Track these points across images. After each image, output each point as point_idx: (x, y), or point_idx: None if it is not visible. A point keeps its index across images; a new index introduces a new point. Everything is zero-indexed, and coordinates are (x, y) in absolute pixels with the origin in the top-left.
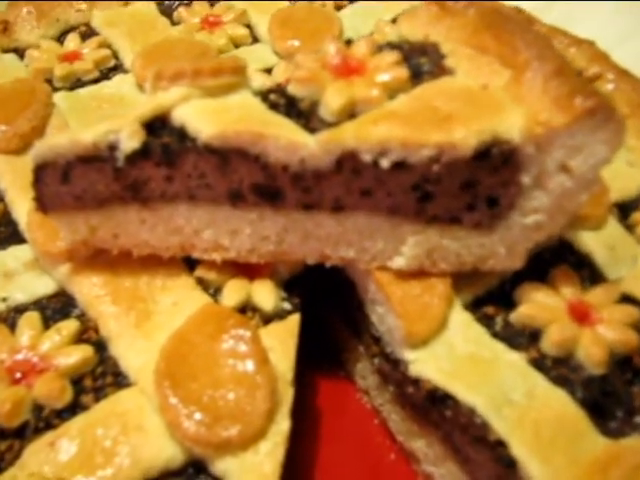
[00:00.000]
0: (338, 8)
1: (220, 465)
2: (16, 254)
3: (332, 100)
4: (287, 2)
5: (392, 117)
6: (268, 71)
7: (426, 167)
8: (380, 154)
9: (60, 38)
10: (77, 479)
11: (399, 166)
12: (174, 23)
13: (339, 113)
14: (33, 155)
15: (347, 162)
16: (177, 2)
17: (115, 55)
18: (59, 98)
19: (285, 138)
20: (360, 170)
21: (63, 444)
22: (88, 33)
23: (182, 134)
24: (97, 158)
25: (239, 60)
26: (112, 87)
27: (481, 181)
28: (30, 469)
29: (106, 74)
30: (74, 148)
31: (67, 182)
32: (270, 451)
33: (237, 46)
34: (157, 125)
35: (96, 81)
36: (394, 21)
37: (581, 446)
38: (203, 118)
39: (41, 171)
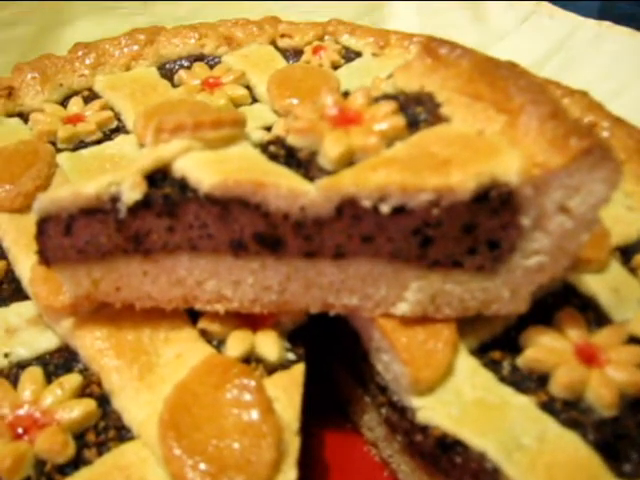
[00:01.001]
0: (335, 67)
1: None
2: (19, 310)
3: (330, 149)
4: (284, 63)
5: (390, 163)
6: (268, 129)
7: (426, 211)
8: (379, 199)
9: (63, 102)
10: None
11: (399, 211)
12: (175, 85)
13: (338, 161)
14: (36, 208)
15: (347, 208)
16: (177, 66)
17: (117, 117)
18: (62, 158)
19: (285, 186)
20: (360, 216)
21: None
22: (91, 97)
23: (183, 185)
24: (99, 210)
25: (238, 113)
26: (114, 147)
27: (481, 224)
28: None
29: (108, 135)
30: (76, 200)
31: (70, 234)
32: None
33: (237, 106)
34: (158, 177)
35: (98, 142)
36: (390, 77)
37: None
38: (204, 169)
39: (44, 224)
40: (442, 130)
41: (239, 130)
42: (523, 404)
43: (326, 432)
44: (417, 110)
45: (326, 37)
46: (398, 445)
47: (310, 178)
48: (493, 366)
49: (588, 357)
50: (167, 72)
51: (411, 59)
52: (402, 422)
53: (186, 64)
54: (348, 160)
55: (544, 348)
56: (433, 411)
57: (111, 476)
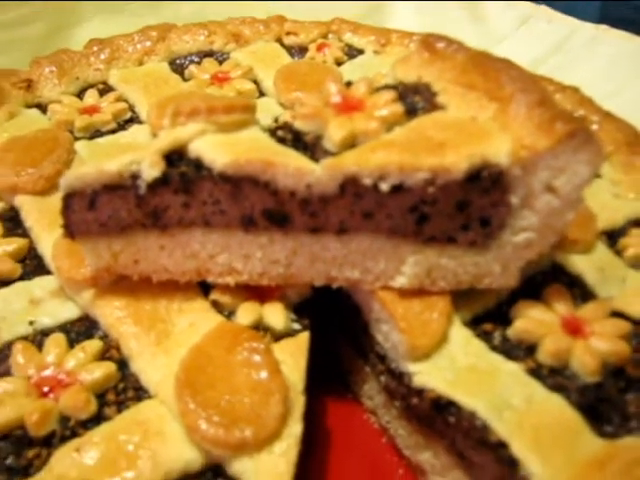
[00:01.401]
0: (338, 64)
1: (237, 466)
2: (42, 284)
3: (335, 133)
4: (290, 59)
5: (389, 145)
6: (276, 120)
7: (422, 190)
8: (379, 178)
9: (79, 95)
10: (103, 477)
11: (397, 189)
12: (185, 79)
13: (341, 144)
14: (62, 184)
15: (349, 186)
16: (187, 61)
17: (131, 108)
18: (80, 146)
19: (293, 165)
20: (361, 194)
21: (88, 450)
22: (105, 90)
23: (198, 164)
24: (121, 186)
25: (249, 99)
26: (128, 136)
27: (473, 202)
28: (57, 473)
29: (123, 125)
30: (100, 177)
31: (93, 209)
32: (284, 452)
33: None
34: (175, 157)
35: (113, 131)
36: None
37: (579, 446)
38: (217, 149)
39: (69, 199)
40: (438, 116)
41: (249, 115)
42: (512, 370)
43: (328, 402)
44: (415, 99)
45: (330, 35)
46: (396, 411)
47: (315, 159)
48: (485, 336)
49: (573, 329)
50: (177, 67)
51: (409, 52)
52: (400, 388)
53: (196, 59)
54: (350, 143)
55: (533, 320)
56: (428, 376)
57: (130, 430)
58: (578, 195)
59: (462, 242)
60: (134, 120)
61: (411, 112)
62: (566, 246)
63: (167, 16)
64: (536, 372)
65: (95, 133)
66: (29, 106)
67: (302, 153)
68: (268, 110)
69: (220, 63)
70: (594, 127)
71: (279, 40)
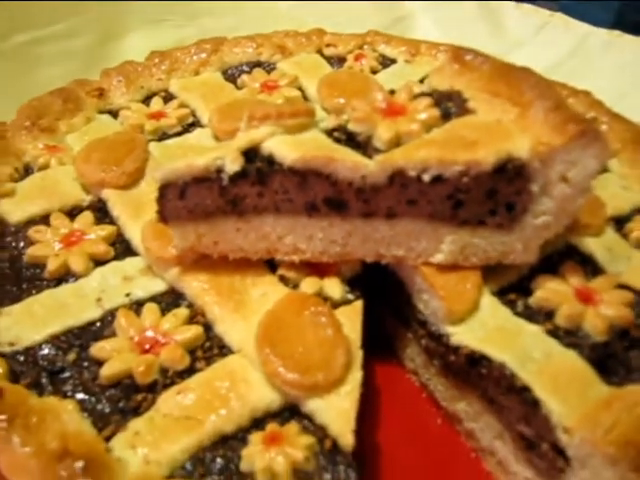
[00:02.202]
0: (373, 72)
1: (310, 405)
2: (132, 263)
3: (383, 133)
4: (330, 69)
5: (430, 144)
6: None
7: (457, 180)
8: (422, 170)
9: (144, 101)
10: (199, 416)
11: (437, 179)
12: (238, 88)
13: (388, 143)
14: (158, 176)
15: (397, 178)
16: (238, 71)
17: (192, 113)
18: (152, 147)
19: (350, 160)
20: (407, 184)
21: (187, 393)
22: (167, 97)
23: (270, 160)
24: (207, 179)
25: (310, 105)
26: (193, 138)
27: (500, 190)
28: (163, 412)
29: (187, 128)
30: (190, 171)
31: (183, 198)
32: (348, 392)
33: None
34: (252, 154)
35: (179, 134)
36: (421, 81)
37: (590, 391)
38: (286, 148)
39: (164, 189)
40: (469, 119)
41: (311, 119)
42: (534, 330)
43: (376, 364)
44: (448, 104)
45: (365, 46)
46: (434, 369)
47: (368, 155)
48: (510, 304)
49: (585, 297)
50: (230, 76)
51: (441, 64)
52: (439, 348)
53: (246, 69)
54: (396, 142)
55: (550, 290)
56: (463, 335)
57: (220, 377)
58: (588, 184)
59: (491, 224)
60: (196, 124)
61: (446, 116)
62: (579, 229)
63: (206, 26)
64: (553, 333)
65: (163, 135)
66: (101, 112)
67: (355, 150)
68: None
69: (268, 73)
70: (603, 127)
71: (319, 51)
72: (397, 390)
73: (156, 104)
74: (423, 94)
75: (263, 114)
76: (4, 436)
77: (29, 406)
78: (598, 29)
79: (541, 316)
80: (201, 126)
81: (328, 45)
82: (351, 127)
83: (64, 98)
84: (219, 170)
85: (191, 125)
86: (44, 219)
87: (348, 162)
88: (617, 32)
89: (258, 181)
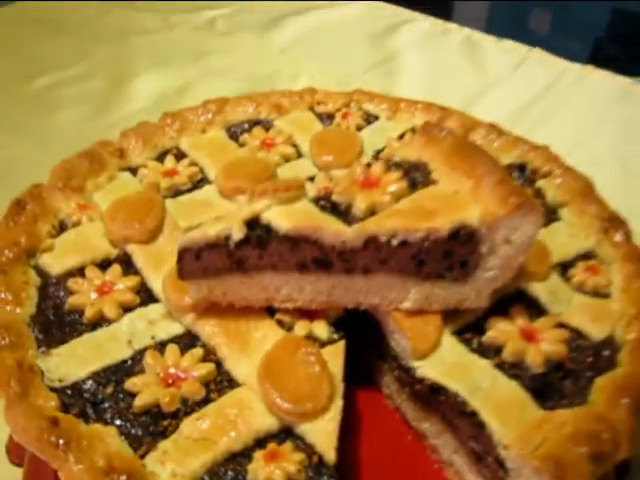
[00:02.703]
0: (359, 129)
1: (301, 428)
2: (155, 309)
3: (360, 204)
4: (321, 126)
5: (397, 214)
6: (311, 179)
7: (420, 244)
8: (391, 236)
9: (159, 158)
10: (213, 437)
11: (403, 243)
12: (240, 145)
13: (365, 212)
14: (179, 243)
15: (371, 242)
16: (240, 129)
17: (201, 170)
18: (168, 203)
19: (333, 228)
20: (379, 247)
21: (204, 419)
22: (179, 155)
23: (269, 229)
24: (217, 245)
25: (300, 180)
26: (201, 194)
27: (455, 251)
28: (185, 434)
29: (196, 185)
30: (204, 239)
31: (198, 260)
32: (332, 418)
33: (287, 160)
34: (253, 223)
35: (189, 190)
36: (401, 137)
37: (526, 414)
38: (281, 218)
39: (183, 252)
40: (431, 190)
41: (301, 191)
42: (484, 365)
43: (358, 391)
44: (416, 175)
45: (351, 104)
46: (405, 395)
47: (348, 222)
48: (466, 342)
49: (528, 336)
50: (233, 134)
51: (412, 137)
52: (407, 378)
53: (247, 127)
54: (371, 210)
55: (500, 330)
56: (426, 369)
57: (229, 406)
58: (527, 245)
59: (448, 278)
60: (204, 180)
61: (413, 185)
62: (528, 276)
63: (207, 67)
64: (500, 366)
65: (176, 192)
66: (122, 169)
67: (338, 218)
68: (304, 170)
69: (266, 130)
70: (557, 180)
71: (311, 108)
72: (376, 412)
73: (169, 162)
74: (396, 164)
75: (262, 190)
76: (63, 456)
77: (79, 432)
78: (572, 64)
79: (491, 352)
80: (209, 182)
81: (319, 103)
82: (334, 198)
83: (90, 159)
84: (227, 237)
85: (200, 181)
86: (79, 271)
87: (331, 230)
88: (590, 67)
89: (258, 246)
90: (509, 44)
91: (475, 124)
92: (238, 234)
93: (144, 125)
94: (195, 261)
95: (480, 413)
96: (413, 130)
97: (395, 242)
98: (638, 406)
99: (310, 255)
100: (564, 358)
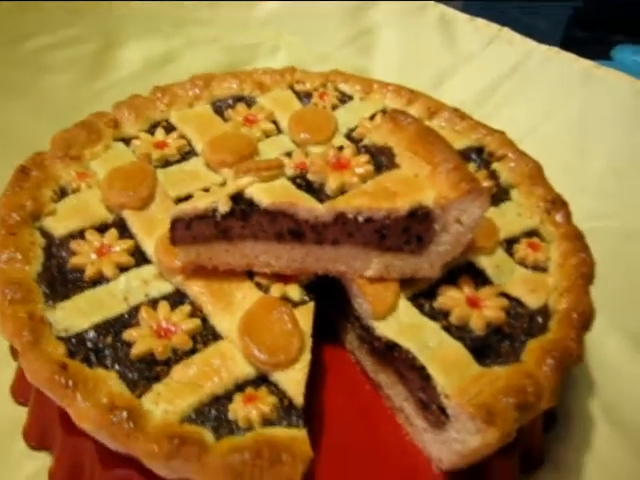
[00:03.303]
0: (334, 108)
1: (275, 376)
2: (148, 270)
3: (332, 183)
4: (300, 104)
5: (364, 194)
6: (288, 154)
7: (382, 221)
8: (357, 214)
9: (150, 130)
10: (200, 382)
11: (368, 220)
12: (225, 120)
13: (335, 191)
14: (171, 214)
15: (340, 218)
16: (224, 105)
17: (189, 143)
18: (158, 173)
19: (307, 205)
20: (347, 222)
21: (192, 367)
22: (168, 127)
23: (251, 203)
24: (206, 216)
25: (280, 160)
26: (189, 166)
27: (412, 228)
28: (175, 379)
29: (184, 157)
30: (194, 211)
31: (188, 229)
32: (301, 368)
33: (267, 136)
34: (237, 198)
35: (178, 161)
36: (372, 117)
37: (467, 370)
38: (262, 194)
39: (175, 222)
40: (394, 173)
41: (280, 170)
42: (433, 326)
43: (324, 347)
44: (382, 159)
45: (328, 84)
46: (365, 350)
47: (320, 200)
48: (419, 307)
49: (473, 303)
50: (217, 109)
51: (380, 122)
52: (367, 336)
53: (231, 102)
54: (341, 190)
55: (448, 297)
56: (384, 328)
57: (213, 356)
58: (475, 225)
59: (406, 251)
60: (192, 152)
61: (378, 168)
62: (476, 250)
63: (191, 36)
64: (447, 328)
65: (166, 162)
66: (116, 140)
67: (312, 195)
68: (283, 146)
69: (249, 106)
70: (511, 164)
71: (291, 87)
72: (339, 364)
73: (159, 134)
74: (365, 147)
75: (246, 168)
76: (71, 395)
77: (85, 375)
78: (539, 45)
79: (440, 316)
80: (196, 154)
81: (298, 82)
82: (309, 177)
83: (88, 130)
84: (214, 210)
85: (188, 153)
86: (80, 234)
87: (306, 206)
88: (555, 49)
89: (242, 218)
90: (481, 22)
91: (440, 107)
92: (224, 207)
93: (136, 98)
94: (186, 230)
95: (427, 368)
96: (384, 111)
97: (361, 218)
98: (561, 365)
99: (286, 227)
100: (503, 323)
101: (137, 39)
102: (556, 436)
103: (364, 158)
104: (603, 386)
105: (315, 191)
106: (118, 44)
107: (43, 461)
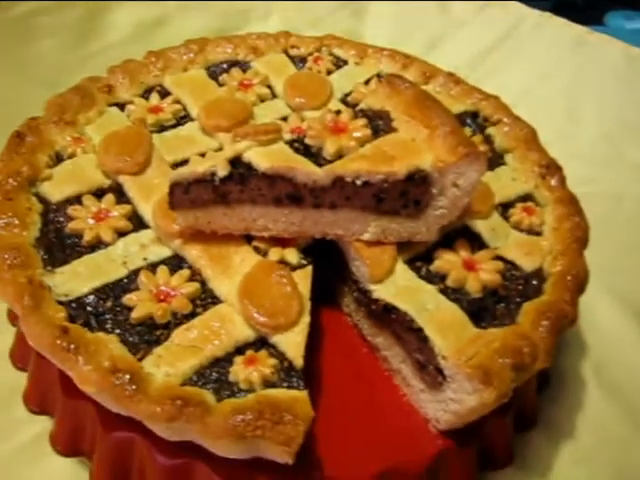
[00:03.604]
0: (329, 73)
1: (274, 338)
2: (146, 235)
3: (329, 147)
4: (294, 68)
5: (362, 158)
6: (284, 119)
7: (380, 184)
8: (355, 177)
9: (144, 94)
10: (200, 345)
11: (365, 184)
12: (220, 84)
13: (333, 155)
14: (170, 178)
15: (338, 182)
16: (219, 69)
17: (184, 107)
18: (154, 138)
19: (306, 169)
20: (345, 186)
21: (192, 330)
22: (163, 92)
23: (249, 167)
24: (204, 180)
25: (278, 124)
26: (185, 130)
27: (410, 192)
28: (176, 342)
29: (179, 121)
30: (192, 175)
31: (187, 193)
32: (300, 330)
33: (262, 101)
34: (236, 162)
35: (174, 126)
36: (367, 82)
37: (463, 332)
38: (260, 158)
39: (174, 186)
40: (392, 137)
41: (278, 135)
42: (430, 289)
43: (322, 310)
44: (379, 123)
45: (323, 48)
46: (362, 313)
47: (319, 164)
48: (416, 270)
49: (469, 266)
50: (212, 73)
51: (377, 87)
52: (365, 299)
53: (225, 67)
54: (339, 154)
55: (445, 260)
56: (381, 291)
57: (213, 319)
58: (472, 189)
59: (403, 214)
60: (187, 117)
61: (376, 132)
62: (472, 214)
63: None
64: (444, 291)
65: (161, 127)
66: (110, 105)
67: (310, 159)
68: (278, 111)
69: (244, 71)
70: (505, 128)
71: (285, 51)
72: (337, 327)
73: (154, 99)
74: (362, 112)
75: (244, 132)
76: (73, 358)
77: (86, 339)
78: (532, 10)
79: (437, 279)
80: (191, 119)
81: (292, 47)
82: (307, 141)
83: (82, 95)
84: (213, 174)
85: (183, 118)
86: (77, 199)
87: (304, 170)
88: (548, 14)
89: (240, 182)
90: None
91: (435, 72)
92: (223, 171)
93: (130, 62)
94: (184, 194)
95: (425, 329)
96: (379, 76)
97: (359, 182)
98: (555, 327)
99: (285, 191)
100: (498, 286)
101: (127, 3)
102: (549, 397)
103: (361, 122)
104: (594, 348)
105: (313, 155)
106: (108, 7)
107: (43, 424)
